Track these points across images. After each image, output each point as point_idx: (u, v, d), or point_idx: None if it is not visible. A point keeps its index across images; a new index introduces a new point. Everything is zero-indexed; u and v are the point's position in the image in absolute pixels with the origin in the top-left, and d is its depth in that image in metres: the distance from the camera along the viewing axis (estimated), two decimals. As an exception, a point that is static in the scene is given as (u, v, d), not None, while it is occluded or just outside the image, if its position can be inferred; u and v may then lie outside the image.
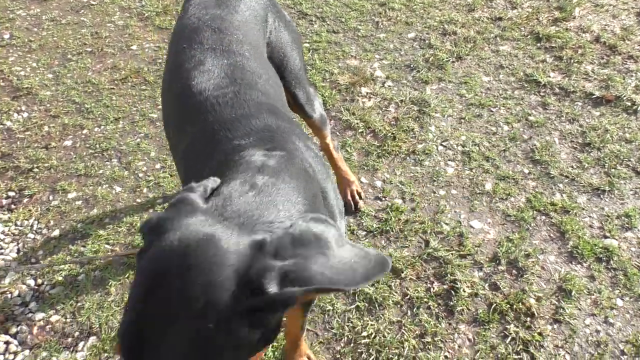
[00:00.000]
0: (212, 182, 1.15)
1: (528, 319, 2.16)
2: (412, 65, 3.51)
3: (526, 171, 2.78)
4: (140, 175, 2.89)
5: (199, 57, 1.65)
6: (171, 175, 2.86)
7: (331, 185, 1.51)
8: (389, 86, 3.36)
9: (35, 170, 2.94)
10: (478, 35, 3.77)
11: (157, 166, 2.93)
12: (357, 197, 2.62)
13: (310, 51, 3.66)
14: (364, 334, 2.13)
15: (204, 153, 1.43)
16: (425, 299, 2.23)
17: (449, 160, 2.87)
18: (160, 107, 3.31)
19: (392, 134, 3.00)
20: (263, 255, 0.93)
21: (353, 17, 4.00)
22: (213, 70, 1.61)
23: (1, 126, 3.25)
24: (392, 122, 3.09)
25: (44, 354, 2.16)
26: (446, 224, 2.53)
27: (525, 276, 2.30)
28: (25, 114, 3.33)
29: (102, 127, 3.20)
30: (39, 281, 2.44)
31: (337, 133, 3.05)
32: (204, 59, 1.64)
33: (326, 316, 2.21)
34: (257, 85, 1.60)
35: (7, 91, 3.51)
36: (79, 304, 2.33)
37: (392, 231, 2.51)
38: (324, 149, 2.54)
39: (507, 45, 3.68)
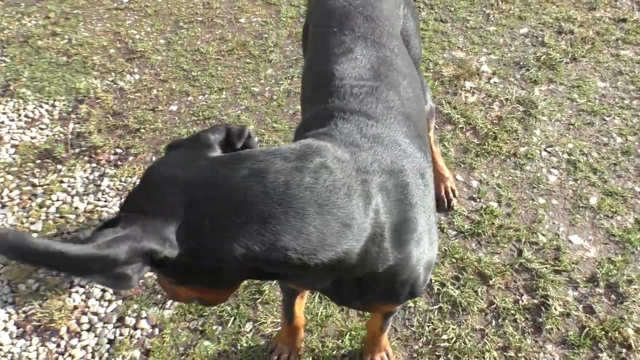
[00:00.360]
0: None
1: (624, 350, 2.03)
2: (521, 63, 3.35)
3: (637, 189, 2.61)
4: (238, 147, 2.95)
5: (348, 45, 1.60)
6: (267, 151, 2.91)
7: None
8: (495, 83, 3.23)
9: (142, 130, 3.08)
10: (597, 37, 3.54)
11: (256, 139, 2.98)
12: (450, 194, 2.55)
13: (417, 39, 3.58)
14: (444, 337, 2.09)
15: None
16: (513, 311, 2.15)
17: (553, 167, 2.73)
18: (262, 81, 3.37)
19: (494, 133, 2.89)
20: None
21: (463, 6, 3.87)
22: (361, 60, 1.55)
23: (115, 86, 3.42)
24: (494, 121, 2.98)
25: (135, 306, 2.28)
26: (543, 234, 2.42)
27: (625, 303, 2.17)
28: (137, 76, 3.49)
29: (206, 95, 3.29)
30: (136, 238, 2.56)
31: (436, 126, 2.97)
32: (354, 47, 1.59)
33: (407, 313, 2.19)
34: (399, 88, 1.52)
35: (122, 53, 3.69)
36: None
37: (484, 235, 2.43)
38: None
39: (629, 50, 3.44)
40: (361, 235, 1.09)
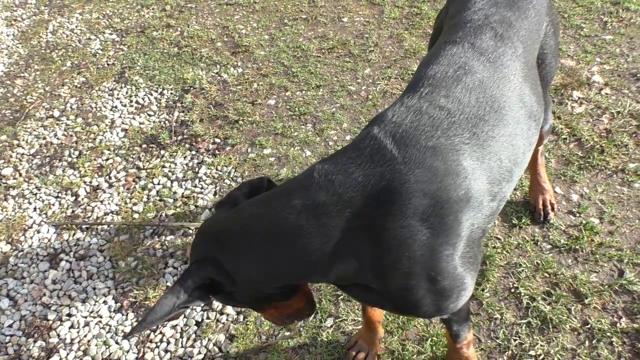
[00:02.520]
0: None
1: None
2: (638, 75, 3.13)
3: None
4: (330, 143, 2.98)
5: (460, 58, 1.54)
6: (360, 149, 2.91)
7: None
8: (606, 94, 3.04)
9: (240, 122, 3.19)
10: None
11: (347, 137, 3.00)
12: (548, 207, 2.43)
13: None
14: (532, 352, 1.99)
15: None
16: (609, 334, 2.02)
17: (665, 187, 2.54)
18: (359, 81, 3.38)
19: (601, 146, 2.72)
20: None
21: (578, 13, 3.67)
22: (465, 81, 1.49)
23: (219, 78, 3.57)
24: (602, 134, 2.80)
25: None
26: (648, 257, 2.25)
27: None
28: (240, 70, 3.62)
29: (304, 92, 3.35)
30: (228, 224, 2.66)
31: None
32: (465, 61, 1.53)
33: (492, 324, 2.11)
34: (487, 130, 1.42)
35: (228, 46, 3.84)
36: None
37: (582, 251, 2.30)
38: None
39: None
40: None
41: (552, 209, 2.44)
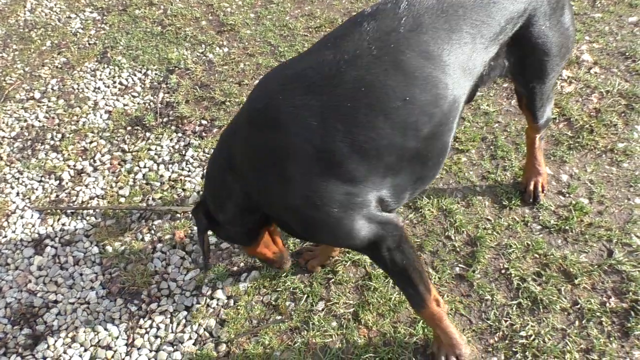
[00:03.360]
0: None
1: None
2: (627, 54, 3.12)
3: None
4: (320, 125, 2.94)
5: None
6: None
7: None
8: (596, 73, 3.03)
9: (227, 103, 3.14)
10: None
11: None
12: (539, 189, 2.43)
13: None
14: (522, 333, 2.00)
15: None
16: (598, 313, 2.03)
17: (653, 166, 2.54)
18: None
19: (590, 126, 2.72)
20: None
21: (566, -10, 3.64)
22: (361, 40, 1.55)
23: (204, 58, 3.50)
24: (591, 113, 2.80)
25: (212, 276, 2.34)
26: (637, 236, 2.26)
27: None
28: (226, 49, 3.55)
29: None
30: (216, 208, 2.63)
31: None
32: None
33: (483, 305, 2.12)
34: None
35: (213, 25, 3.76)
36: (247, 236, 2.47)
37: (572, 232, 2.30)
38: (530, 136, 2.35)
39: None
40: None
41: (543, 191, 2.43)
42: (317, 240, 2.06)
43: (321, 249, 2.31)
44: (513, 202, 2.43)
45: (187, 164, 2.87)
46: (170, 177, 2.81)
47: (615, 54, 3.13)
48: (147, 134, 3.06)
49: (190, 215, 2.27)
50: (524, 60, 1.87)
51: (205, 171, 2.13)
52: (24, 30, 4.01)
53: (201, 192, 2.47)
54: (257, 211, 1.79)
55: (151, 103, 3.26)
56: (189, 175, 2.80)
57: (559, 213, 2.38)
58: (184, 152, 2.93)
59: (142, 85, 3.39)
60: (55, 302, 2.39)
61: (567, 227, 2.31)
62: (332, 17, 3.66)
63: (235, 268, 2.37)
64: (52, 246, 2.60)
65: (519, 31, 1.77)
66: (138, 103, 3.27)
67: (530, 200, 2.43)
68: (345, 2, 3.80)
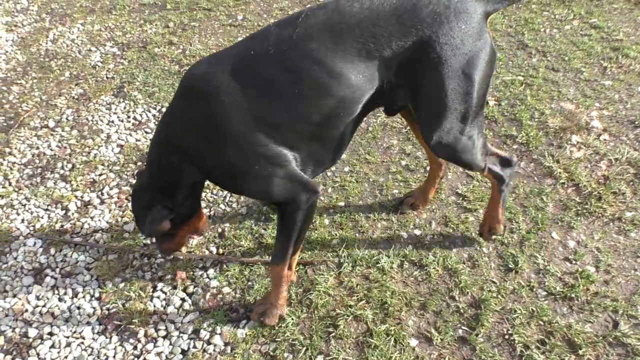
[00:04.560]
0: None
1: None
2: (637, 122, 3.15)
3: None
4: (329, 174, 2.96)
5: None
6: (357, 182, 2.89)
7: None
8: (605, 140, 3.06)
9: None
10: None
11: (346, 169, 2.98)
12: (492, 235, 2.52)
13: (523, 85, 3.46)
14: (523, 403, 1.96)
15: None
16: (602, 388, 1.99)
17: (661, 238, 2.54)
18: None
19: (598, 193, 2.72)
20: None
21: (578, 57, 3.71)
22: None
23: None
24: (600, 180, 2.81)
25: (211, 320, 2.31)
26: (644, 310, 2.23)
27: None
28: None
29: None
30: (221, 251, 2.61)
31: (535, 178, 2.84)
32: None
33: (485, 370, 2.08)
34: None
35: (229, 67, 3.82)
36: (249, 283, 2.45)
37: (577, 300, 2.28)
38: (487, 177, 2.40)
39: None
40: None
41: (497, 234, 2.52)
42: (245, 193, 2.27)
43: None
44: (519, 265, 2.41)
45: (194, 204, 2.86)
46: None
47: (625, 122, 3.16)
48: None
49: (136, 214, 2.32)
50: (416, 94, 2.00)
51: (148, 158, 2.23)
52: (45, 60, 4.09)
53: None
54: (198, 181, 2.21)
55: (163, 140, 3.28)
56: (195, 215, 2.79)
57: (565, 280, 2.36)
58: None
59: (156, 122, 3.42)
60: (51, 334, 2.36)
61: (572, 295, 2.29)
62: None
63: (234, 314, 2.34)
64: (52, 276, 2.58)
65: (411, 61, 1.90)
66: (150, 139, 3.30)
67: (481, 237, 2.55)
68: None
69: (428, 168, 2.93)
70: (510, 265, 2.43)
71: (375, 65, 1.90)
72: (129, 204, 2.89)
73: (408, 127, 3.18)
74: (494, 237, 2.54)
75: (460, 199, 2.76)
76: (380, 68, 1.91)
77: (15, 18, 4.65)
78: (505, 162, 2.32)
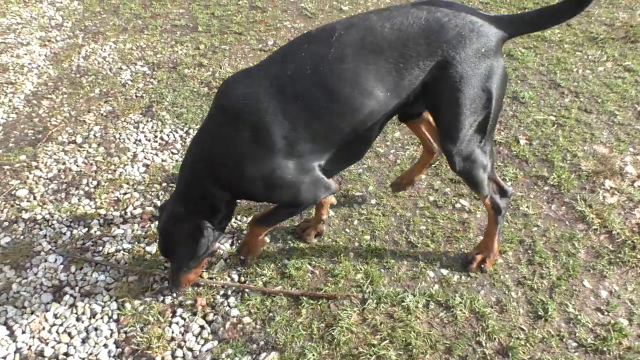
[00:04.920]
0: None
1: None
2: (672, 171, 3.08)
3: None
4: (355, 205, 2.92)
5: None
6: (383, 215, 2.85)
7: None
8: (639, 186, 2.98)
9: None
10: None
11: (373, 202, 2.94)
12: (483, 265, 2.56)
13: (555, 125, 3.41)
14: None
15: None
16: None
17: (698, 293, 2.44)
18: (388, 143, 3.33)
19: (633, 242, 2.65)
20: None
21: (612, 99, 3.66)
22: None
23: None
24: (634, 229, 2.73)
25: (230, 351, 2.25)
26: (680, 369, 2.14)
27: None
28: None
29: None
30: (242, 279, 2.57)
31: (567, 223, 2.77)
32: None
33: (512, 423, 1.99)
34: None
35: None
36: (270, 314, 2.40)
37: (609, 354, 2.19)
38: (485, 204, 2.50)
39: None
40: None
41: (488, 266, 2.56)
42: (275, 200, 2.35)
43: (313, 219, 2.77)
44: (549, 313, 2.34)
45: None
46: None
47: (661, 171, 3.09)
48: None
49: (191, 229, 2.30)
50: (436, 106, 2.17)
51: (183, 182, 2.31)
52: (76, 75, 4.13)
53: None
54: (230, 200, 2.33)
55: (189, 161, 3.27)
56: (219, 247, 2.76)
57: (597, 332, 2.28)
58: (261, 211, 2.90)
59: (183, 143, 3.42)
60: (66, 354, 2.31)
61: (604, 348, 2.21)
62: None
63: (254, 345, 2.29)
64: (71, 295, 2.55)
65: (435, 76, 2.05)
66: (176, 160, 3.29)
67: (473, 268, 2.56)
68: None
69: (456, 205, 2.88)
70: (539, 313, 2.35)
71: (404, 82, 2.05)
72: (152, 225, 2.86)
73: (437, 162, 3.14)
74: (482, 269, 2.56)
75: (489, 239, 2.70)
76: (407, 85, 2.06)
77: (49, 33, 4.72)
78: (503, 192, 2.44)
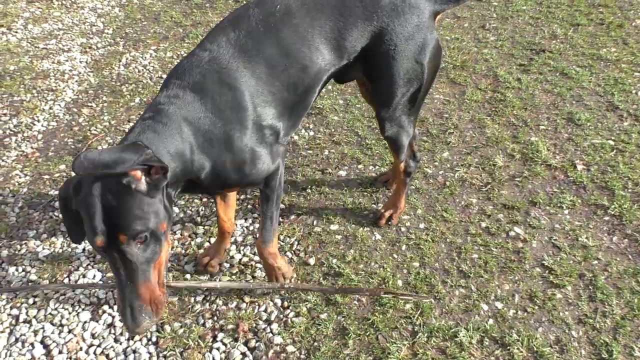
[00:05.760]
0: None
1: None
2: None
3: None
4: (403, 229, 2.79)
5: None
6: (433, 241, 2.71)
7: None
8: None
9: (308, 190, 3.03)
10: None
11: (421, 226, 2.81)
12: (394, 219, 2.78)
13: (615, 151, 3.23)
14: None
15: None
16: None
17: None
18: (436, 164, 3.20)
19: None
20: None
21: (671, 123, 3.46)
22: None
23: (290, 138, 3.44)
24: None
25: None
26: None
27: None
28: (312, 133, 3.49)
29: (377, 167, 3.19)
30: (285, 304, 2.46)
31: (630, 257, 2.60)
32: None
33: None
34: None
35: (301, 106, 3.73)
36: (315, 343, 2.29)
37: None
38: (395, 167, 2.76)
39: None
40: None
41: (393, 219, 2.79)
42: (246, 179, 2.16)
43: (213, 247, 2.66)
44: (614, 356, 2.18)
45: (259, 249, 2.74)
46: (240, 260, 2.68)
47: None
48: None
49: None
50: (372, 73, 2.29)
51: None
52: (116, 84, 4.09)
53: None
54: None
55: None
56: (259, 262, 2.66)
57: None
58: (258, 235, 2.81)
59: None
60: (103, 378, 2.24)
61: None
62: (423, 115, 3.57)
63: (298, 377, 2.18)
64: (109, 314, 2.48)
65: (371, 43, 2.20)
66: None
67: (384, 222, 2.78)
68: (437, 102, 3.73)
69: (510, 233, 2.73)
70: (603, 355, 2.19)
71: (345, 43, 2.17)
72: (192, 242, 2.78)
73: (488, 185, 3.00)
74: (389, 224, 2.80)
75: (547, 271, 2.54)
76: (349, 46, 2.18)
77: (90, 40, 4.70)
78: (415, 158, 2.70)
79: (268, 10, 2.11)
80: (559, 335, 2.28)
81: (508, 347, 2.23)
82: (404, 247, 2.70)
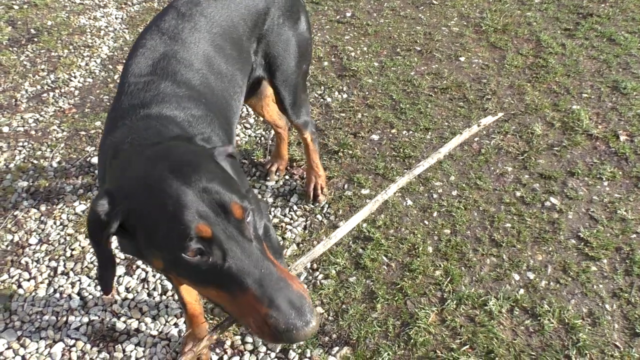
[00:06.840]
0: None
1: None
2: None
3: None
4: (435, 196, 2.76)
5: (147, 41, 1.82)
6: (465, 208, 2.68)
7: None
8: None
9: (340, 154, 3.01)
10: None
11: (454, 193, 2.77)
12: (319, 190, 2.75)
13: (659, 120, 3.11)
14: None
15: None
16: None
17: None
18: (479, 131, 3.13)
19: None
20: None
21: None
22: (147, 56, 1.78)
23: (322, 100, 3.40)
24: None
25: (301, 342, 2.18)
26: None
27: None
28: (345, 95, 3.45)
29: (411, 132, 3.14)
30: (315, 266, 2.48)
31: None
32: (148, 43, 1.81)
33: None
34: (176, 76, 1.76)
35: (335, 67, 3.67)
36: (343, 306, 2.30)
37: None
38: (302, 140, 2.69)
39: None
40: None
41: (323, 192, 2.76)
42: None
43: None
44: (648, 331, 2.14)
45: (290, 211, 2.75)
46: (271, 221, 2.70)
47: None
48: (253, 170, 2.98)
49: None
50: (268, 57, 2.23)
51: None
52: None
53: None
54: None
55: (262, 138, 3.19)
56: (290, 224, 2.67)
57: (702, 357, 2.07)
58: (288, 197, 2.81)
59: (256, 118, 3.33)
60: (137, 330, 2.31)
61: None
62: (460, 80, 3.48)
63: (326, 338, 2.21)
64: (143, 269, 2.53)
65: (264, 29, 2.16)
66: (249, 135, 3.21)
67: (310, 201, 2.75)
68: (475, 66, 3.63)
69: (545, 203, 2.67)
70: (637, 330, 2.16)
71: (247, 46, 2.12)
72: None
73: (525, 154, 2.93)
74: (323, 195, 2.77)
75: (582, 243, 2.49)
76: (248, 48, 2.14)
77: (126, -4, 4.69)
78: (315, 127, 2.81)
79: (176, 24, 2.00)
80: (592, 308, 2.25)
81: (539, 318, 2.21)
82: (435, 214, 2.67)
